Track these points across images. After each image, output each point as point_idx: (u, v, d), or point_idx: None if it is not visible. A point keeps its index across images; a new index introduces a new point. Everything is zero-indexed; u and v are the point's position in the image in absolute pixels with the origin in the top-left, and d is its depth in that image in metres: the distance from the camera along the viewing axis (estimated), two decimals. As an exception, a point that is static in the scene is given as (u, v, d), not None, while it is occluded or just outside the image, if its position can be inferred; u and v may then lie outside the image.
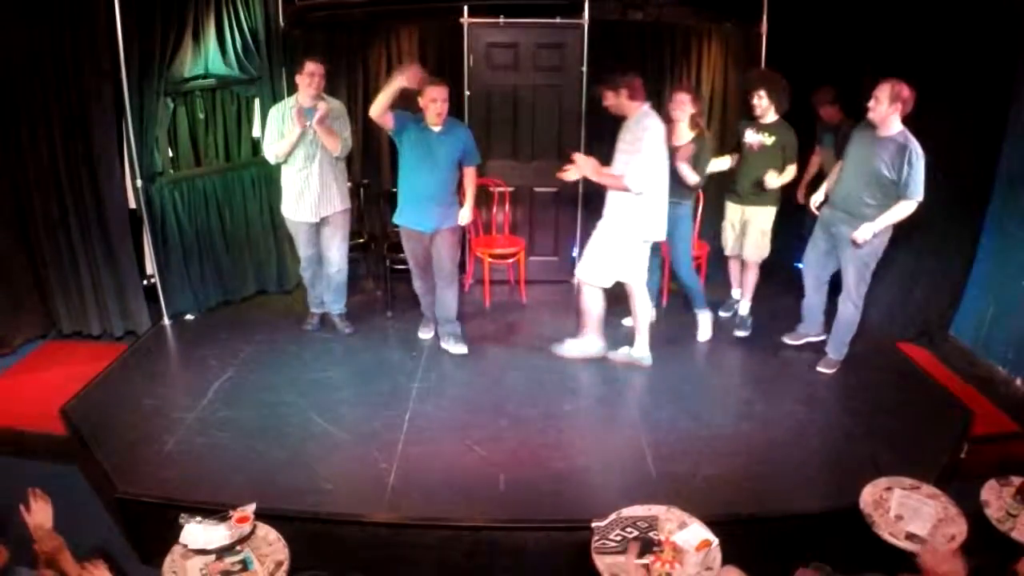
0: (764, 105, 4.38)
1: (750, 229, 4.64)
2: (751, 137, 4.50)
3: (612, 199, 4.04)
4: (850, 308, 4.13)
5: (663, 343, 4.61)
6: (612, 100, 3.96)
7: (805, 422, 3.79)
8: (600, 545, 2.46)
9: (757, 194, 4.52)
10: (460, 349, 4.46)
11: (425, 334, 4.70)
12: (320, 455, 3.44)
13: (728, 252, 4.88)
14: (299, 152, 4.24)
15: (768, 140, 4.43)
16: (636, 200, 3.93)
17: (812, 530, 3.02)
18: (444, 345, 4.49)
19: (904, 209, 3.81)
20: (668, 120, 4.18)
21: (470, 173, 4.26)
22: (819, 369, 4.26)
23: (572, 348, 4.40)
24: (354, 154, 5.05)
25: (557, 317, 4.94)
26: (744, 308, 4.81)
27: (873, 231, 3.85)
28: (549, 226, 4.93)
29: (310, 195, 4.33)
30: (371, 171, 5.53)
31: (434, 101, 3.99)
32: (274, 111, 4.28)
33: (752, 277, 4.76)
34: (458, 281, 4.49)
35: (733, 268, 4.97)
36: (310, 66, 4.15)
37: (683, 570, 2.34)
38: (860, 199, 3.88)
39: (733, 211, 4.72)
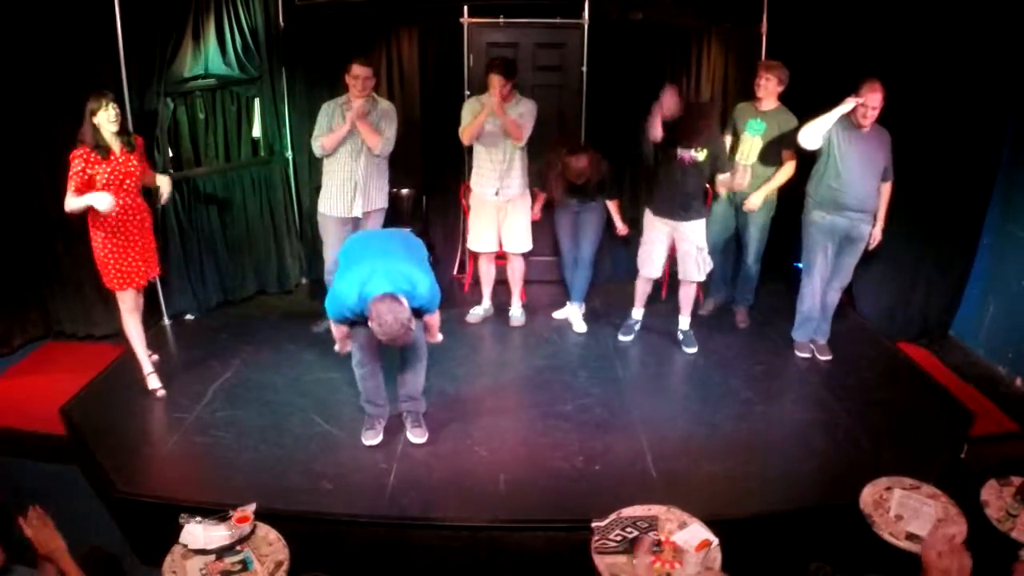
0: None
1: (684, 247, 4.32)
2: (681, 151, 4.14)
3: (518, 170, 4.58)
4: (840, 295, 4.38)
5: (663, 343, 4.62)
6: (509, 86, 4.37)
7: (805, 422, 3.80)
8: (600, 545, 2.45)
9: (688, 208, 4.23)
10: (420, 437, 3.57)
11: (372, 439, 3.52)
12: (320, 455, 3.44)
13: (653, 274, 4.49)
14: (344, 147, 4.34)
15: (700, 155, 4.12)
16: None
17: (812, 530, 3.02)
18: (410, 434, 3.57)
19: (888, 192, 4.14)
20: None
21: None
22: (823, 358, 4.38)
23: (520, 317, 4.87)
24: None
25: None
26: (685, 323, 4.54)
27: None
28: (547, 226, 4.93)
29: (351, 190, 4.41)
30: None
31: None
32: (325, 106, 4.39)
33: (692, 292, 4.48)
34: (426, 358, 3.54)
35: (643, 286, 4.56)
36: (356, 69, 4.23)
37: (683, 570, 2.34)
38: (871, 194, 4.07)
39: (659, 230, 4.34)
